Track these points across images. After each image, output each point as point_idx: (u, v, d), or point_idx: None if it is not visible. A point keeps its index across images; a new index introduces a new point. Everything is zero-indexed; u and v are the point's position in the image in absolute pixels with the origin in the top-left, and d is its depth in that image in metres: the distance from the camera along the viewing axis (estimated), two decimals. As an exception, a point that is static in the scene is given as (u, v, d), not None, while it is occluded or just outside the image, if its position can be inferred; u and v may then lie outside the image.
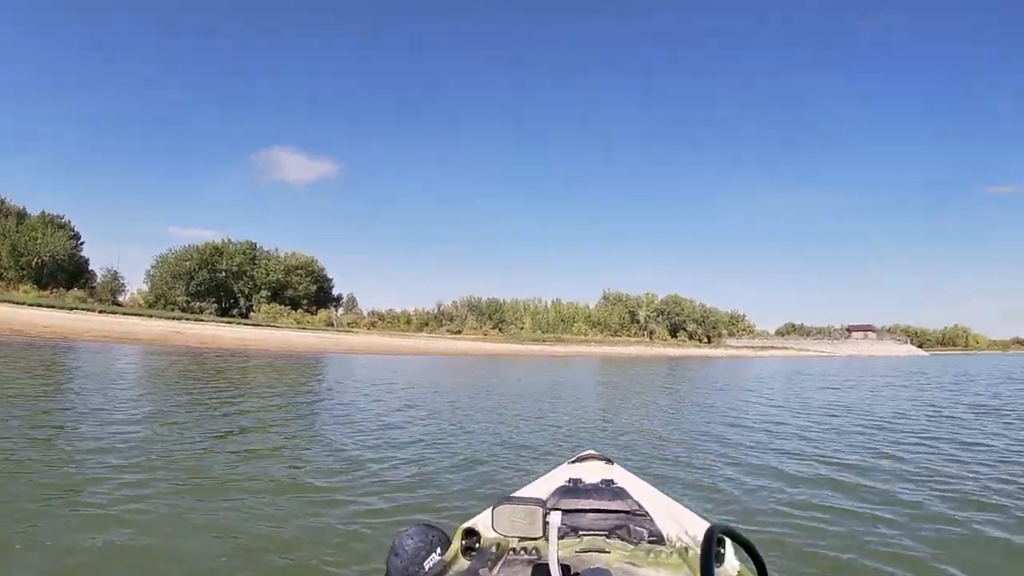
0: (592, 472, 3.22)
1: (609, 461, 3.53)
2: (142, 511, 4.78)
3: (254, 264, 58.88)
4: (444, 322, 66.72)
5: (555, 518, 1.51)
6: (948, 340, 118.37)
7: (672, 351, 60.15)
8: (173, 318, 43.12)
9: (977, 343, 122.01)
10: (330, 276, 67.25)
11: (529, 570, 1.88)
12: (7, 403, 8.94)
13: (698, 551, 2.06)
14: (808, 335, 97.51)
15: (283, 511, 4.97)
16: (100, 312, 39.57)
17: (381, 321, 65.15)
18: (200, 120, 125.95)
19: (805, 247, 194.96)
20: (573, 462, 3.55)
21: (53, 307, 37.03)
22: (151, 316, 42.32)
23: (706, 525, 2.36)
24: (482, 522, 2.36)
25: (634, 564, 1.98)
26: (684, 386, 21.93)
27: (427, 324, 65.81)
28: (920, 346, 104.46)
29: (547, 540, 1.52)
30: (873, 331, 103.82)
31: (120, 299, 54.06)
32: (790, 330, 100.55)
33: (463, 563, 2.16)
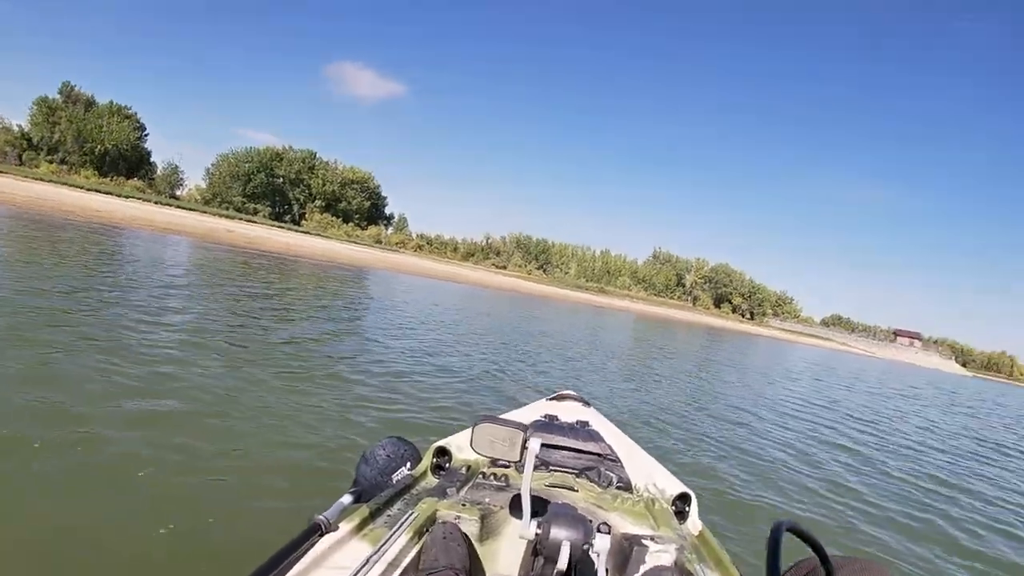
0: (569, 411, 3.25)
1: (586, 403, 3.55)
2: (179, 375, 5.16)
3: (312, 173, 59.50)
4: (490, 255, 66.92)
5: (534, 444, 1.45)
6: (992, 365, 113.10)
7: (714, 321, 59.36)
8: (226, 216, 43.90)
9: (1022, 375, 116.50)
10: (384, 194, 67.75)
11: (497, 496, 1.94)
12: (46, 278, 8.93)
13: (665, 505, 2.25)
14: (853, 330, 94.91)
15: (285, 405, 5.06)
16: (156, 203, 40.42)
17: (428, 245, 65.44)
18: (277, 21, 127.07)
19: (865, 242, 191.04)
20: (551, 399, 3.58)
21: (111, 194, 38.01)
22: (205, 212, 43.11)
23: (676, 481, 2.49)
24: (455, 443, 2.40)
25: (600, 506, 2.00)
26: (717, 359, 21.32)
27: (473, 255, 66.05)
28: (964, 365, 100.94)
29: (522, 465, 1.48)
30: (919, 340, 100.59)
31: (178, 193, 55.38)
32: (835, 321, 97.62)
33: (431, 480, 2.22)
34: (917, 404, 19.35)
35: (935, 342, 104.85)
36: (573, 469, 2.33)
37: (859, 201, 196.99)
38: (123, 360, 5.32)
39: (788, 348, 46.70)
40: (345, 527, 1.63)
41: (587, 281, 62.77)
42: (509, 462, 1.68)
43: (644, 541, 1.72)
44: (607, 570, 1.47)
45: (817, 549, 0.61)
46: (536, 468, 2.13)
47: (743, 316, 68.76)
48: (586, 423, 2.91)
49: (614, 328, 28.42)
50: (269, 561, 1.34)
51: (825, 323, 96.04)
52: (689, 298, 67.31)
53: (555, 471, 2.28)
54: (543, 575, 1.33)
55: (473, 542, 1.72)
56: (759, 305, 71.45)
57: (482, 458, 2.05)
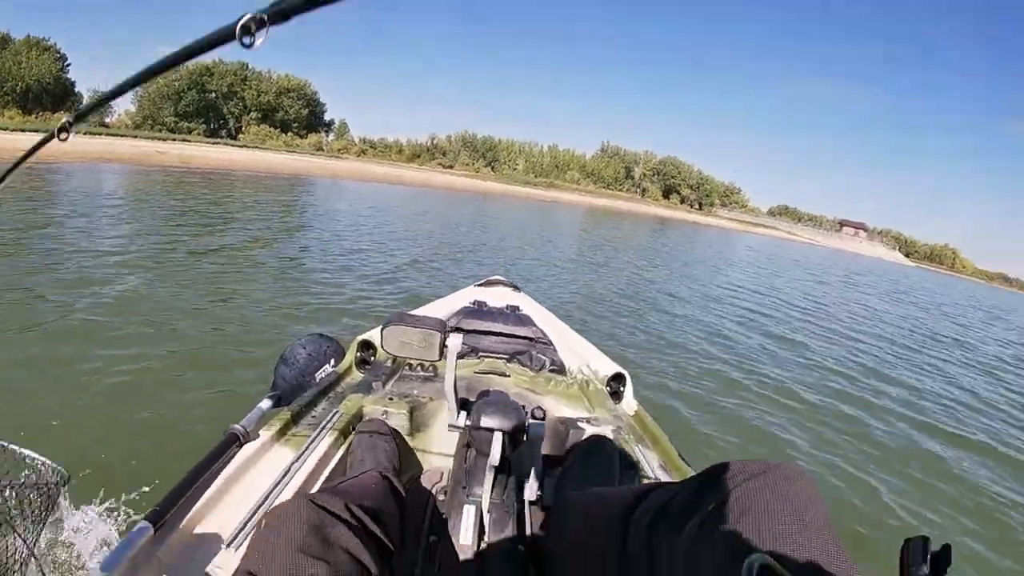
0: (498, 297, 3.18)
1: (516, 288, 3.51)
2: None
3: (245, 85, 56.42)
4: (436, 155, 64.58)
5: (454, 341, 1.37)
6: (935, 256, 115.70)
7: (662, 212, 59.63)
8: (160, 139, 41.94)
9: (964, 267, 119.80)
10: (323, 100, 64.49)
11: (425, 387, 1.92)
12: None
13: (599, 386, 2.26)
14: (799, 220, 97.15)
15: (204, 314, 4.93)
16: (84, 134, 38.16)
17: (372, 149, 62.68)
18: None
19: (814, 135, 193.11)
20: (480, 284, 3.50)
21: (36, 131, 35.63)
22: (136, 137, 41.12)
23: (609, 362, 2.42)
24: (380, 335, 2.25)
25: (533, 390, 1.98)
26: (662, 249, 21.64)
27: (419, 156, 63.66)
28: (907, 255, 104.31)
29: (448, 363, 1.40)
30: (865, 230, 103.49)
31: (107, 120, 52.32)
32: (782, 211, 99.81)
33: (356, 375, 2.14)
34: (855, 291, 20.00)
35: (880, 233, 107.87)
36: (504, 354, 2.31)
37: (808, 96, 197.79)
38: (42, 284, 5.12)
39: (734, 237, 47.41)
40: (265, 434, 1.55)
41: (536, 177, 61.77)
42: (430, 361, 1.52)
43: (580, 423, 1.77)
44: (542, 457, 1.50)
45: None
46: (465, 355, 2.17)
47: (691, 207, 69.25)
48: (516, 308, 2.92)
49: (562, 222, 28.54)
50: (185, 478, 1.24)
51: (772, 213, 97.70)
52: (638, 190, 67.23)
53: (485, 357, 2.26)
54: (477, 467, 1.31)
55: (403, 436, 1.72)
56: (707, 196, 71.77)
57: None
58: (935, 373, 8.37)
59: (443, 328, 1.37)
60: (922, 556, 0.66)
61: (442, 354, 1.36)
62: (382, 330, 1.41)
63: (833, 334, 9.73)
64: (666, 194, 68.56)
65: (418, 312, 2.48)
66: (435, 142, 66.74)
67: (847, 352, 8.42)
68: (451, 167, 61.82)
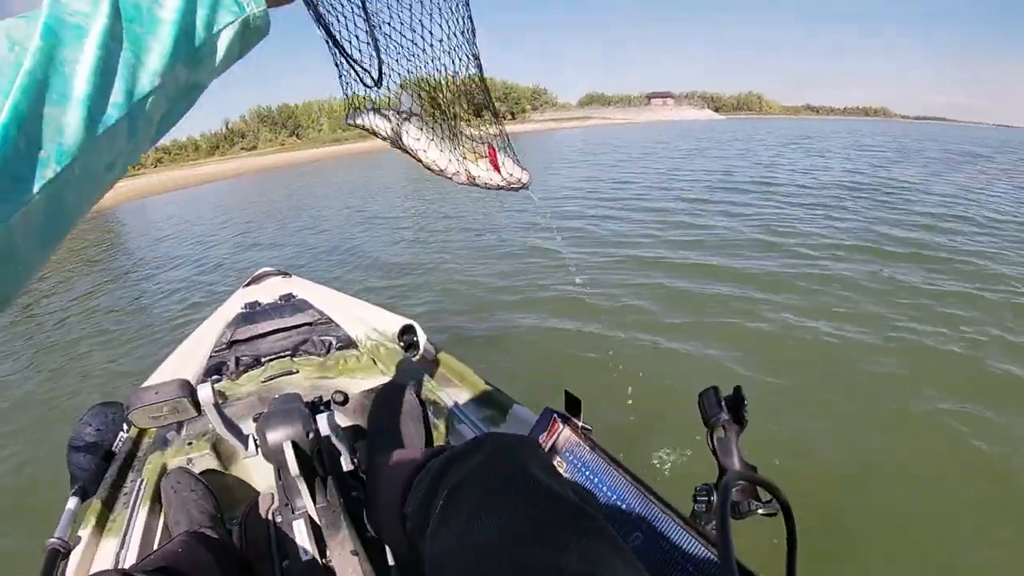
0: (270, 290, 3.06)
1: (286, 274, 3.40)
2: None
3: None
4: (236, 140, 60.98)
5: (204, 394, 1.24)
6: (743, 105, 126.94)
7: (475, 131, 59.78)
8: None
9: (771, 108, 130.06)
10: (94, 118, 58.31)
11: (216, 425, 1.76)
12: None
13: (391, 344, 2.15)
14: (610, 104, 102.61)
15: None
16: None
17: (167, 155, 57.96)
18: None
19: (599, 15, 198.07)
20: (248, 284, 3.33)
21: None
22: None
23: (395, 317, 2.35)
24: (160, 380, 2.07)
25: (325, 377, 1.95)
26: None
27: (218, 147, 59.86)
28: (717, 111, 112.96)
29: (210, 416, 1.31)
30: (672, 98, 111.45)
31: None
32: (591, 100, 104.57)
33: (152, 431, 1.97)
34: (652, 160, 20.25)
35: (687, 96, 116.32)
36: (287, 351, 2.20)
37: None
38: None
39: (548, 137, 47.99)
40: (85, 534, 1.42)
41: (342, 132, 60.51)
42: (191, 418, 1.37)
43: (380, 390, 1.73)
44: (353, 439, 1.46)
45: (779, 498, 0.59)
46: (248, 369, 2.05)
47: (504, 119, 70.39)
48: (289, 296, 2.84)
49: (380, 175, 26.00)
50: None
51: (582, 103, 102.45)
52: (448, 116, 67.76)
53: (269, 361, 2.14)
54: (288, 481, 1.23)
55: (219, 471, 1.64)
56: (516, 104, 73.94)
57: None
58: (734, 214, 8.99)
59: (187, 390, 1.24)
60: (717, 403, 0.69)
61: (199, 409, 1.25)
62: (126, 413, 1.27)
63: (628, 208, 10.06)
64: (477, 113, 69.08)
65: (184, 344, 2.51)
66: (230, 126, 62.42)
67: (643, 221, 8.82)
68: (255, 147, 58.75)
